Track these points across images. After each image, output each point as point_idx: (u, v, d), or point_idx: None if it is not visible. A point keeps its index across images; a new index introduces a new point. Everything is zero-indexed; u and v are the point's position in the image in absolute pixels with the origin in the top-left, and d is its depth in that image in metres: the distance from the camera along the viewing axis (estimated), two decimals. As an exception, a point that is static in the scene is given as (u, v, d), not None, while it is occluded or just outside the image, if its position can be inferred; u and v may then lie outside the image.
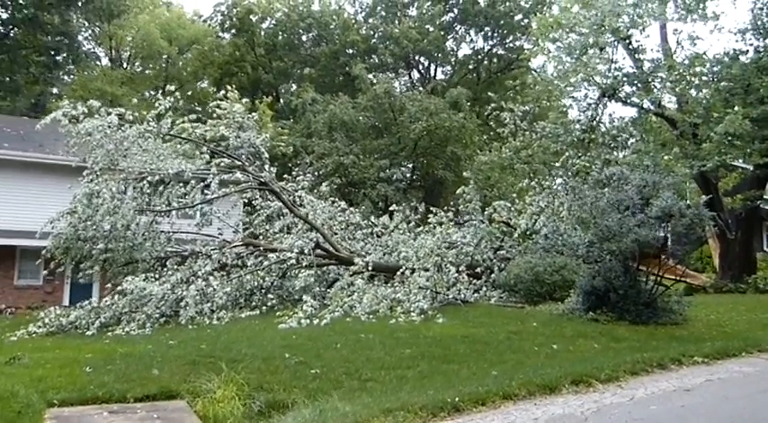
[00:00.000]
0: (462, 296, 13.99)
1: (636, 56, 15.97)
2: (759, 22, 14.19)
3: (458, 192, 16.59)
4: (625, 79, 15.13)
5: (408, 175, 24.36)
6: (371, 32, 33.67)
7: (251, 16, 32.72)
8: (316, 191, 22.12)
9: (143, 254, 13.65)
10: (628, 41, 15.64)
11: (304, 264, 13.40)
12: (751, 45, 14.20)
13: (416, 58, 34.35)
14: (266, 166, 18.05)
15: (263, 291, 13.24)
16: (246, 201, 18.36)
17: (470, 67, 37.74)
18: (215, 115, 17.03)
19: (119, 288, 12.33)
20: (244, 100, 19.07)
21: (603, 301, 11.25)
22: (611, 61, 15.73)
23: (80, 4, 29.00)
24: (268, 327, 10.75)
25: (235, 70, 33.13)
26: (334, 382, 6.96)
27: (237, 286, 12.71)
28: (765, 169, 17.09)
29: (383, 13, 35.10)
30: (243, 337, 9.71)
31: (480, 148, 23.61)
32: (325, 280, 14.37)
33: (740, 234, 18.13)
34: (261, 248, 13.96)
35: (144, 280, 12.43)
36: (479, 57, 36.96)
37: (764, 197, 19.32)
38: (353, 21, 34.77)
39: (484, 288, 14.80)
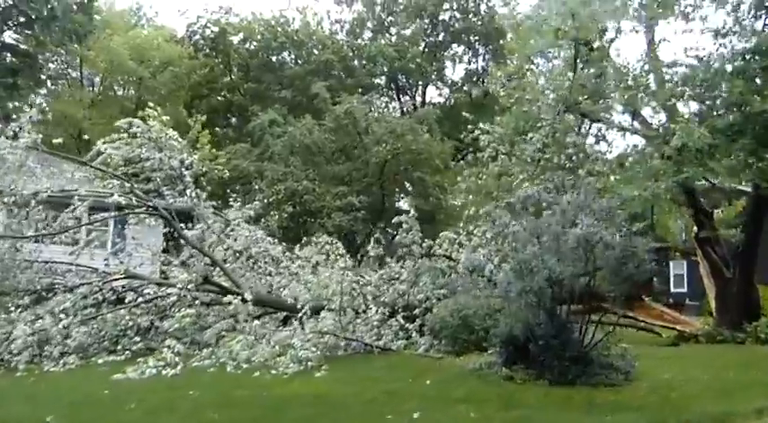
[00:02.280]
0: (381, 343, 12.26)
1: (604, 63, 14.31)
2: (741, 23, 12.42)
3: (394, 220, 14.95)
4: (583, 90, 13.43)
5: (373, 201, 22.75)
6: (350, 52, 32.78)
7: (225, 36, 32.13)
8: (263, 220, 20.68)
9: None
10: (589, 47, 14.02)
11: (188, 301, 11.83)
12: (726, 47, 12.40)
13: (403, 78, 33.23)
14: (188, 190, 16.78)
15: (139, 332, 11.67)
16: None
17: (465, 88, 36.52)
18: (128, 134, 15.89)
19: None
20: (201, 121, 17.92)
21: (524, 353, 9.37)
22: (573, 69, 14.08)
23: (42, 24, 28.65)
24: (105, 377, 9.20)
25: (206, 92, 32.41)
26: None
27: (100, 327, 11.18)
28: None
29: (363, 32, 34.30)
30: (42, 390, 8.17)
31: (456, 174, 22.03)
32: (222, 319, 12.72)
33: (738, 272, 15.93)
34: (146, 282, 12.44)
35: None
36: (474, 78, 35.71)
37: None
38: (330, 40, 33.96)
39: (414, 334, 13.01)
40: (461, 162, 23.98)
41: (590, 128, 15.08)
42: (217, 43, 32.38)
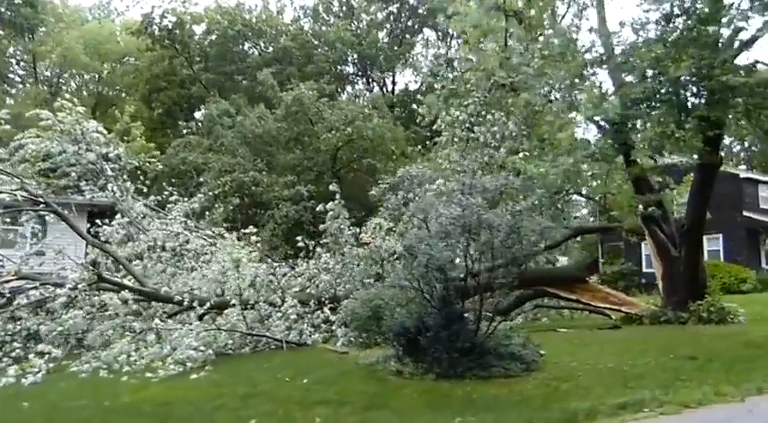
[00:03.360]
0: (296, 337, 11.51)
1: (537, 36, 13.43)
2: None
3: (318, 208, 14.14)
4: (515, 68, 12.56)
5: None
6: (312, 39, 31.77)
7: (183, 26, 31.11)
8: (208, 214, 19.86)
9: None
10: (520, 21, 13.11)
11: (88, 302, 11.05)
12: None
13: (371, 65, 32.23)
14: (110, 185, 15.97)
15: (29, 337, 10.89)
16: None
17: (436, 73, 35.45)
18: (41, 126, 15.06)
19: None
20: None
21: (416, 346, 8.61)
22: (505, 45, 13.20)
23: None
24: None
25: (163, 85, 31.50)
26: None
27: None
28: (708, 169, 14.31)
29: (330, 18, 33.28)
30: None
31: (412, 160, 21.16)
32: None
33: (684, 251, 15.12)
34: (38, 283, 11.63)
35: None
36: (442, 62, 34.66)
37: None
38: (289, 27, 32.97)
39: (335, 326, 12.25)
40: (419, 148, 23.09)
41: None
42: (174, 34, 31.39)
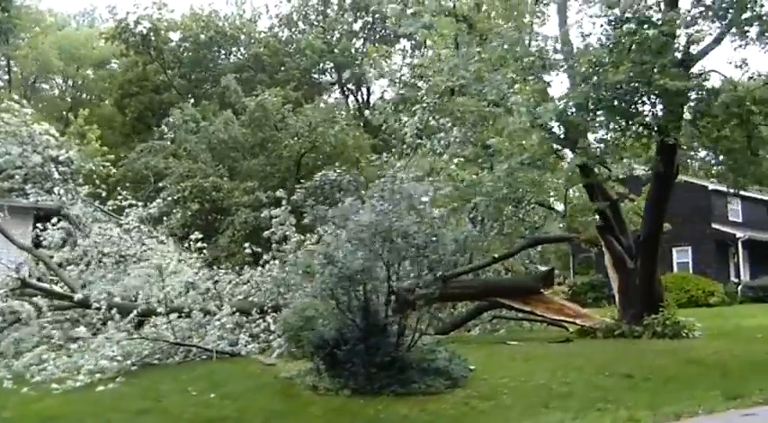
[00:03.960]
0: (224, 347, 10.90)
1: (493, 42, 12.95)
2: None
3: (263, 214, 13.59)
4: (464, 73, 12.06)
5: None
6: (284, 46, 31.32)
7: (158, 32, 30.59)
8: (166, 219, 19.22)
9: None
10: (469, 24, 12.67)
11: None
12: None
13: (343, 73, 31.74)
14: (57, 188, 15.36)
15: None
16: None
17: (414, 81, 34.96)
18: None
19: None
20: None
21: (336, 359, 8.05)
22: (456, 47, 12.74)
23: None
24: None
25: (135, 90, 30.93)
26: None
27: None
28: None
29: (302, 26, 32.83)
30: None
31: (380, 167, 20.62)
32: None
33: (640, 263, 14.68)
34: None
35: None
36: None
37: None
38: (260, 34, 32.51)
39: (273, 337, 11.65)
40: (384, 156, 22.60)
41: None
42: (149, 40, 30.84)
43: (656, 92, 9.11)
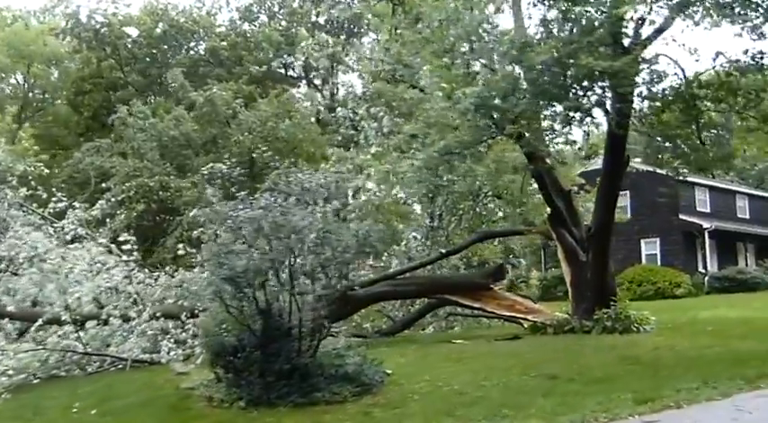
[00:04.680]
0: (139, 355, 10.29)
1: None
2: None
3: (191, 214, 12.93)
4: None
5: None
6: (243, 40, 30.57)
7: (110, 28, 29.69)
8: (109, 221, 18.45)
9: None
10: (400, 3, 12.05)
11: None
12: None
13: (309, 66, 31.03)
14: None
15: None
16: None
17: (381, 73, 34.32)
18: None
19: None
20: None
21: (234, 367, 7.46)
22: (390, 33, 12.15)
23: None
24: None
25: (89, 88, 30.01)
26: None
27: None
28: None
29: (265, 20, 32.09)
30: None
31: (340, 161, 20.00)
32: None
33: (592, 256, 14.23)
34: None
35: None
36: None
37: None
38: (220, 27, 31.74)
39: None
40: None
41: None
42: (102, 35, 29.89)
43: (601, 76, 8.63)
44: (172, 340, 11.05)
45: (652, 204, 27.91)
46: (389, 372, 8.16)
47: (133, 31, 32.54)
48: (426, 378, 8.16)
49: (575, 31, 9.18)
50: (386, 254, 19.45)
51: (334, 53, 12.99)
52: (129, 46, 30.55)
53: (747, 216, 30.06)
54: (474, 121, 8.64)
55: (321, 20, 34.95)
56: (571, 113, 8.86)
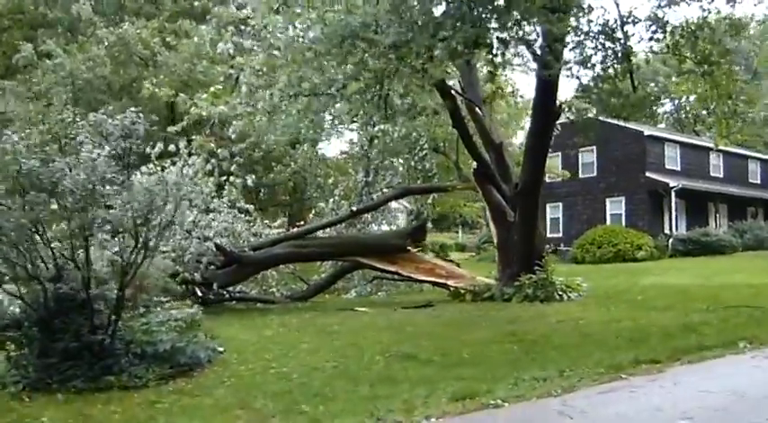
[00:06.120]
0: None
1: None
2: None
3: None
4: None
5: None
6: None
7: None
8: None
9: None
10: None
11: None
12: None
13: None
14: None
15: None
16: None
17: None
18: None
19: None
20: None
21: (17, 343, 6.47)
22: None
23: None
24: None
25: (7, 25, 28.14)
26: None
27: None
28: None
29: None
30: None
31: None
32: None
33: (519, 216, 13.32)
34: None
35: None
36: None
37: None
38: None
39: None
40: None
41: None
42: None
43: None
44: None
45: (619, 161, 26.97)
46: (222, 349, 7.26)
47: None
48: (267, 357, 7.26)
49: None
50: (313, 212, 18.50)
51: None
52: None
53: (721, 175, 29.23)
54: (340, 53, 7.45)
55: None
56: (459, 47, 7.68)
